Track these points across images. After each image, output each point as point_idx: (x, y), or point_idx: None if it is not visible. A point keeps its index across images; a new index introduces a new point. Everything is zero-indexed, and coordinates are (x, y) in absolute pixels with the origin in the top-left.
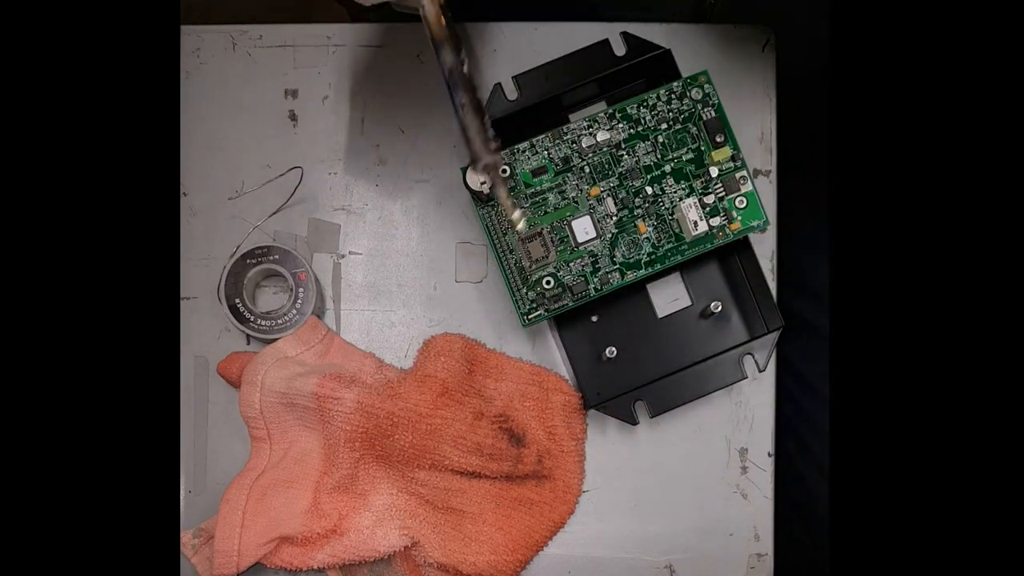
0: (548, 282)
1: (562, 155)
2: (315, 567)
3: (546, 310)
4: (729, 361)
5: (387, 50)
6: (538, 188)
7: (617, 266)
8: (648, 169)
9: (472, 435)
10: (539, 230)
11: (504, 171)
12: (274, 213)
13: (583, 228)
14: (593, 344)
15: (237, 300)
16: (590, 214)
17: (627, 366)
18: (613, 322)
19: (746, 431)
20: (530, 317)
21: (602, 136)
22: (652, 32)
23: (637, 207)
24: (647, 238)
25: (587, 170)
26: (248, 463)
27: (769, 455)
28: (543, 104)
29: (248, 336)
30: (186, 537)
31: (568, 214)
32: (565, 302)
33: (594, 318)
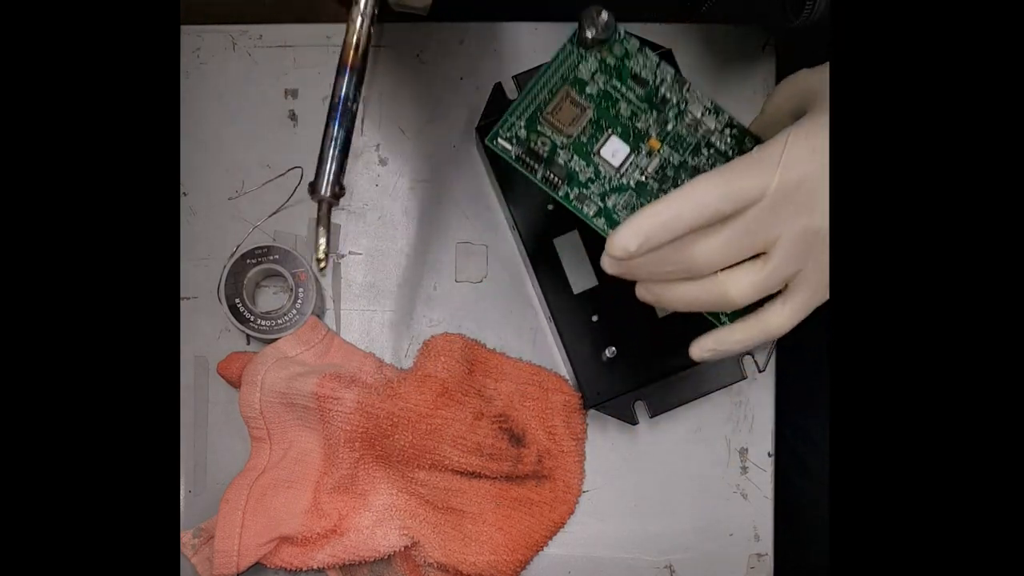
0: (544, 142)
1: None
2: (315, 567)
3: (516, 155)
4: (729, 361)
5: (387, 50)
6: (615, 90)
7: (599, 202)
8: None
9: (472, 435)
10: (586, 107)
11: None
12: (274, 213)
13: (613, 150)
14: (593, 344)
15: (237, 300)
16: (633, 151)
17: (627, 366)
18: (613, 322)
19: (746, 431)
20: (498, 140)
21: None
22: (652, 32)
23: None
24: (659, 152)
25: (656, 123)
26: (248, 463)
27: (769, 455)
28: None
29: (248, 336)
30: (186, 537)
31: (616, 129)
32: (534, 166)
33: (594, 318)
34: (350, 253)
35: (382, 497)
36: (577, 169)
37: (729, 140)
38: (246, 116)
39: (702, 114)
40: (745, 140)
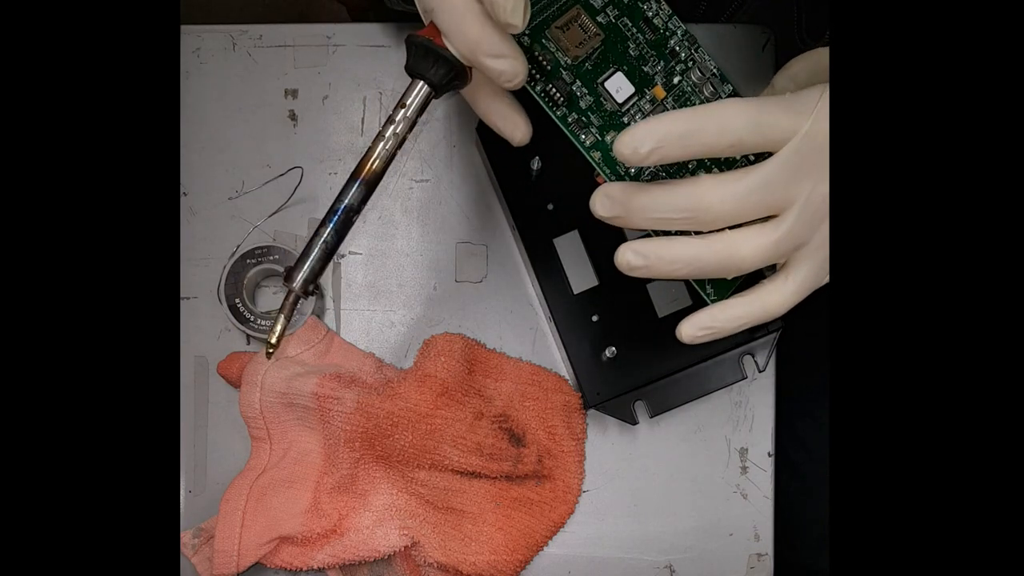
0: (548, 58)
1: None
2: (315, 567)
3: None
4: (729, 361)
5: (387, 50)
6: (625, 28)
7: (597, 134)
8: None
9: (472, 435)
10: (595, 34)
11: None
12: (274, 213)
13: (617, 86)
14: (593, 344)
15: (237, 300)
16: (638, 94)
17: (627, 366)
18: (613, 322)
19: (746, 431)
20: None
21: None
22: None
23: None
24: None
25: (663, 72)
26: (248, 463)
27: (769, 455)
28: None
29: (248, 336)
30: (186, 537)
31: (623, 66)
32: (535, 76)
33: (594, 318)
34: (350, 253)
35: (382, 497)
36: (579, 94)
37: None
38: (246, 116)
39: (708, 76)
40: None
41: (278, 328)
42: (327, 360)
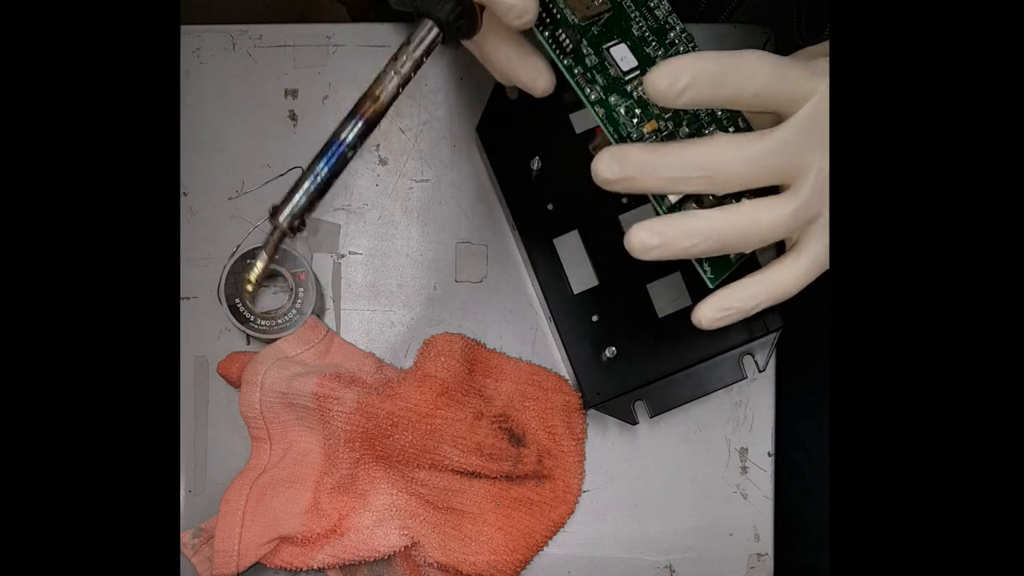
0: (556, 8)
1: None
2: (315, 567)
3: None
4: (729, 361)
5: (387, 50)
6: (629, 8)
7: (601, 93)
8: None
9: (472, 435)
10: (605, 4)
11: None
12: None
13: (622, 55)
14: (593, 344)
15: (237, 300)
16: (640, 69)
17: (627, 366)
18: (613, 322)
19: (746, 431)
20: None
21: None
22: None
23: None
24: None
25: (663, 58)
26: (248, 463)
27: (769, 455)
28: (543, 104)
29: (248, 336)
30: (186, 537)
31: (627, 41)
32: (544, 19)
33: (594, 318)
34: (350, 253)
35: (382, 497)
36: (585, 52)
37: (722, 111)
38: (246, 116)
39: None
40: (738, 119)
41: (259, 266)
42: (327, 360)
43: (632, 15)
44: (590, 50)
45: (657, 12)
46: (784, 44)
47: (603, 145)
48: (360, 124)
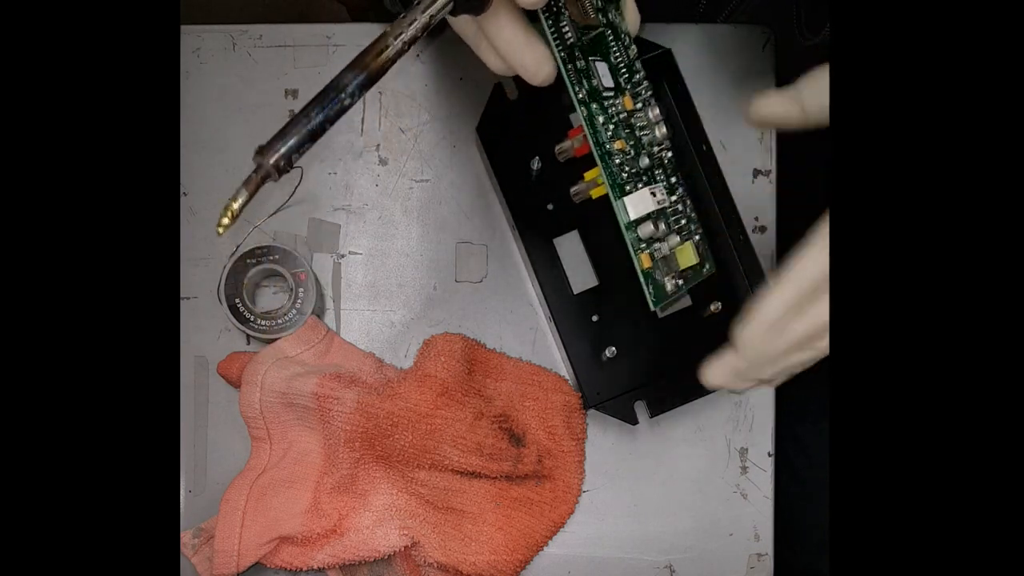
0: (556, 5)
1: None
2: (315, 567)
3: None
4: None
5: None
6: (605, 38)
7: (586, 95)
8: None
9: (472, 435)
10: (595, 21)
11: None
12: (274, 213)
13: (603, 71)
14: (593, 344)
15: (237, 300)
16: (616, 91)
17: (627, 366)
18: (613, 322)
19: (746, 431)
20: None
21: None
22: (652, 32)
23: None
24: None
25: (630, 92)
26: (248, 463)
27: (769, 455)
28: (543, 104)
29: (248, 336)
30: (186, 537)
31: (607, 59)
32: (551, 6)
33: (594, 318)
34: (350, 253)
35: (382, 497)
36: (577, 54)
37: (668, 155)
38: (246, 116)
39: (654, 121)
40: (676, 177)
41: (238, 201)
42: (327, 360)
43: (611, 44)
44: (580, 54)
45: (629, 51)
46: (784, 44)
47: (586, 191)
48: (362, 77)
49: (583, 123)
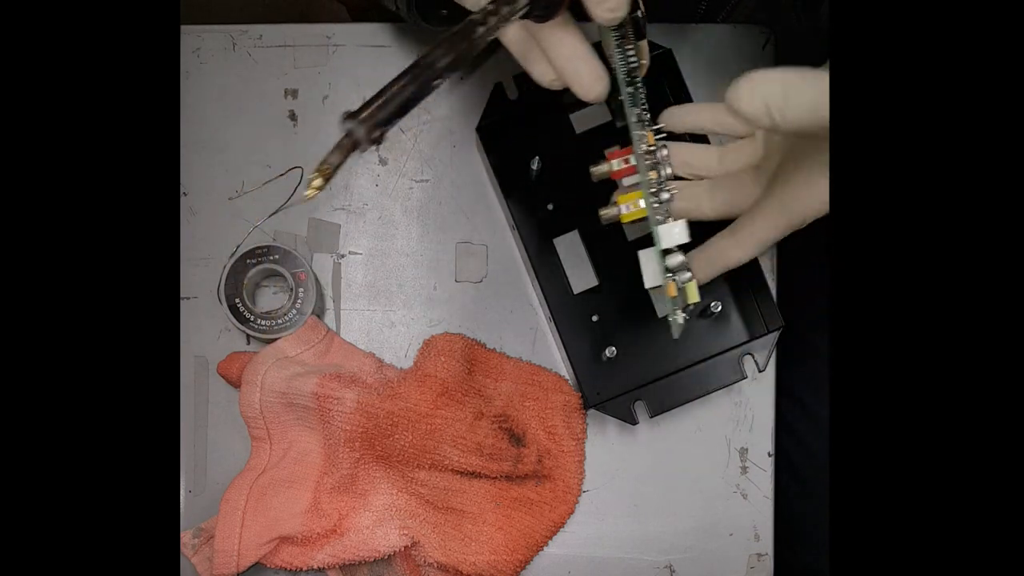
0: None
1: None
2: (315, 567)
3: None
4: (729, 361)
5: (387, 50)
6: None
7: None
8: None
9: (472, 435)
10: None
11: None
12: (274, 213)
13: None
14: (593, 344)
15: (237, 300)
16: (642, 123)
17: (627, 366)
18: (613, 322)
19: (746, 431)
20: None
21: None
22: (652, 32)
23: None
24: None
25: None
26: (248, 463)
27: (769, 455)
28: (543, 104)
29: (248, 336)
30: (186, 537)
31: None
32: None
33: (594, 318)
34: (350, 253)
35: (382, 497)
36: (637, 78)
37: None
38: (246, 116)
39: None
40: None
41: (332, 160)
42: (327, 360)
43: (639, 91)
44: (638, 79)
45: (642, 90)
46: (784, 43)
47: (616, 216)
48: (452, 54)
49: (634, 145)
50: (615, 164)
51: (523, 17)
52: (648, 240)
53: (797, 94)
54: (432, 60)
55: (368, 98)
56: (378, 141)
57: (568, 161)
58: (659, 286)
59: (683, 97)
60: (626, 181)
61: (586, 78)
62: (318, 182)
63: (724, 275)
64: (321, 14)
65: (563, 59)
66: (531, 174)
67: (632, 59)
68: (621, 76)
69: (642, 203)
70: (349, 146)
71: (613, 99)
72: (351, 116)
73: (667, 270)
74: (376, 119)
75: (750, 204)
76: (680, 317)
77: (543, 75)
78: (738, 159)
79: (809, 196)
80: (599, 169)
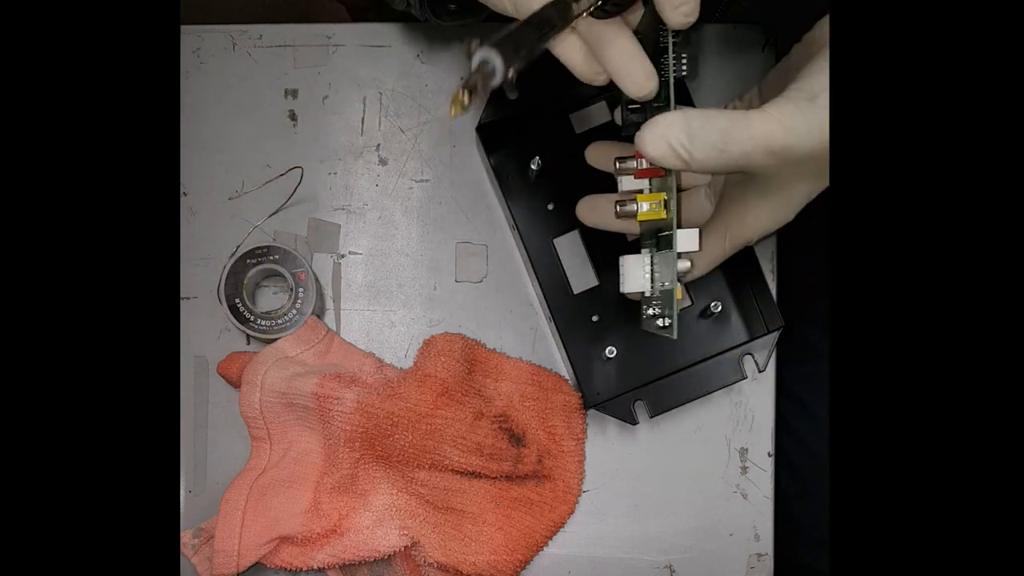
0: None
1: None
2: (315, 567)
3: None
4: (729, 361)
5: (387, 50)
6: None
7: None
8: None
9: (472, 435)
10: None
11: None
12: (274, 213)
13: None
14: (593, 344)
15: (237, 300)
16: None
17: (627, 366)
18: (613, 322)
19: (746, 431)
20: None
21: None
22: None
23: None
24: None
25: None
26: (248, 463)
27: (769, 455)
28: (543, 104)
29: (248, 336)
30: (186, 537)
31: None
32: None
33: (594, 318)
34: (350, 253)
35: (382, 497)
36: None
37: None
38: (246, 116)
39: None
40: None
41: (469, 90)
42: (327, 360)
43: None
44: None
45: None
46: (784, 43)
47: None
48: (559, 13)
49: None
50: (641, 163)
51: (600, 7)
52: (634, 246)
53: (702, 134)
54: (547, 15)
55: (512, 35)
56: (511, 81)
57: (568, 161)
58: (642, 292)
59: (683, 99)
60: (627, 184)
61: (639, 76)
62: (464, 97)
63: (724, 275)
64: (321, 14)
65: (618, 57)
66: (531, 174)
67: (684, 63)
68: (671, 78)
69: (663, 206)
70: (487, 75)
71: (619, 98)
72: (480, 45)
73: (676, 276)
74: (507, 48)
75: (704, 220)
76: (664, 320)
77: (581, 68)
78: (692, 176)
79: (750, 219)
80: (626, 165)
